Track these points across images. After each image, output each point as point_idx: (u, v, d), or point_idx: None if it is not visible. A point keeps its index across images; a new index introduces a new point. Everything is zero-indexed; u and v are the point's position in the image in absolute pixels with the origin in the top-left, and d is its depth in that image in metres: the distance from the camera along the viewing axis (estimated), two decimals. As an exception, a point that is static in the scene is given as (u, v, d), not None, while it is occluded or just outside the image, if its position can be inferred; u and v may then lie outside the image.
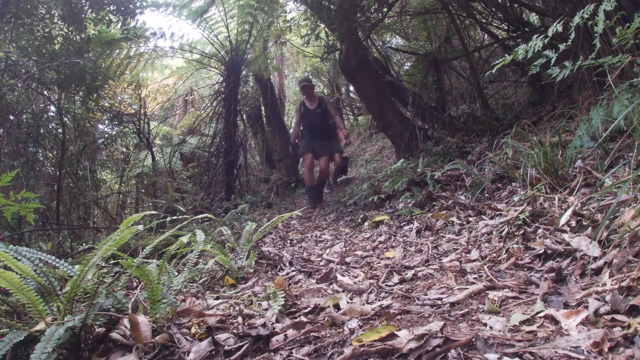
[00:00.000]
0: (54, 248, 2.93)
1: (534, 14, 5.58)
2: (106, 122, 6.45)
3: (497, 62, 1.91)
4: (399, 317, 1.17)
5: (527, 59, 1.88)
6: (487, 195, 2.63)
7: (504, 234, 1.79)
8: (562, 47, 1.75)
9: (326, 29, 5.43)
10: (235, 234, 2.46)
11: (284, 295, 1.35)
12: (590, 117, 2.11)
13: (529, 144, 2.46)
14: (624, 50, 1.83)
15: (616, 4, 1.64)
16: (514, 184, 2.54)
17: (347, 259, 2.08)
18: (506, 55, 1.89)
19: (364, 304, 1.32)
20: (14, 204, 1.79)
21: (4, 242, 1.19)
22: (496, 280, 1.35)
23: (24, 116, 4.67)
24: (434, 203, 2.90)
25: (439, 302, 1.25)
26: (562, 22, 1.71)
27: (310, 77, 8.87)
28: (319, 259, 2.24)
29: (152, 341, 1.08)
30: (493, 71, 1.95)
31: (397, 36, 7.17)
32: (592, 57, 1.73)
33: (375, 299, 1.40)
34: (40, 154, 4.94)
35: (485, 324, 1.02)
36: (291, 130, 6.08)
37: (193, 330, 1.17)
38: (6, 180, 1.69)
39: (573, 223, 1.57)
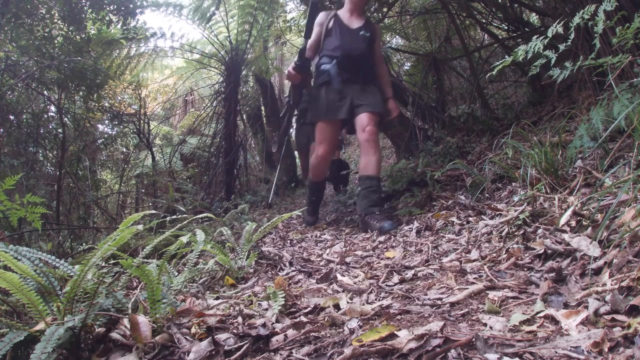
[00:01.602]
0: (54, 248, 2.93)
1: (534, 14, 5.58)
2: (106, 122, 6.45)
3: (497, 63, 1.91)
4: (399, 317, 1.17)
5: (527, 60, 1.88)
6: (487, 195, 2.63)
7: (504, 234, 1.79)
8: (562, 47, 1.76)
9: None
10: (235, 234, 2.46)
11: (284, 295, 1.35)
12: (590, 117, 2.11)
13: (529, 144, 2.47)
14: (623, 51, 1.83)
15: (617, 4, 1.64)
16: (514, 184, 2.54)
17: (347, 259, 2.08)
18: (506, 55, 1.90)
19: (364, 304, 1.32)
20: (20, 208, 1.79)
21: (4, 242, 1.19)
22: (496, 280, 1.35)
23: (24, 116, 4.67)
24: (434, 203, 2.90)
25: (439, 302, 1.25)
26: (562, 22, 1.71)
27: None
28: (319, 259, 2.24)
29: (152, 341, 1.08)
30: (493, 73, 1.95)
31: (397, 36, 7.16)
32: (592, 57, 1.73)
33: (375, 299, 1.40)
34: (40, 154, 4.95)
35: (485, 324, 1.02)
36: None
37: (193, 330, 1.17)
38: (10, 183, 1.69)
39: (573, 223, 1.57)
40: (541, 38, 1.78)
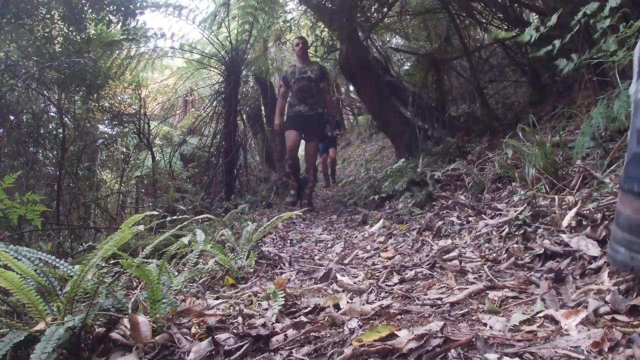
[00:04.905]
0: (54, 248, 2.93)
1: (534, 14, 5.58)
2: (106, 122, 6.44)
3: (502, 36, 1.91)
4: (399, 317, 1.17)
5: (527, 54, 1.89)
6: (487, 195, 2.63)
7: (504, 234, 1.79)
8: (558, 42, 1.76)
9: (326, 29, 5.42)
10: (235, 234, 2.45)
11: (284, 295, 1.35)
12: (591, 117, 2.11)
13: (529, 143, 2.47)
14: (629, 47, 1.82)
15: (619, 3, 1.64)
16: (514, 184, 2.54)
17: (347, 259, 2.08)
18: (506, 55, 1.90)
19: (364, 304, 1.32)
20: (20, 206, 1.79)
21: (4, 242, 1.19)
22: (496, 280, 1.35)
23: (24, 116, 4.67)
24: (434, 203, 2.90)
25: (439, 302, 1.25)
26: (559, 14, 1.71)
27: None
28: (319, 259, 2.24)
29: (152, 341, 1.08)
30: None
31: (397, 36, 7.16)
32: (594, 52, 1.73)
33: (375, 299, 1.40)
34: (40, 154, 4.94)
35: (485, 324, 1.02)
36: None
37: (193, 330, 1.17)
38: (9, 181, 1.69)
39: (573, 223, 1.57)
40: (546, 24, 1.78)
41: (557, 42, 1.80)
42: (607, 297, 0.97)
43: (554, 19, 1.75)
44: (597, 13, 1.66)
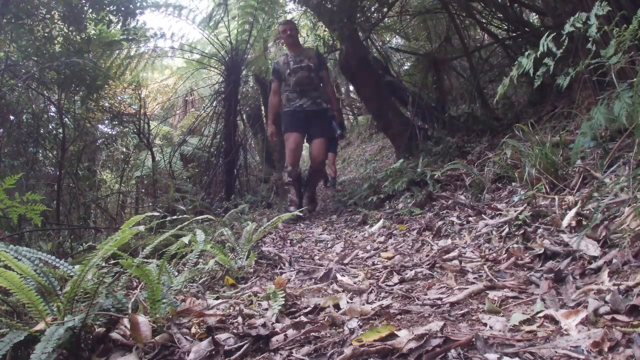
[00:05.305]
0: (54, 248, 2.93)
1: (534, 13, 5.58)
2: (106, 122, 6.44)
3: (500, 87, 1.94)
4: (399, 317, 1.17)
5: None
6: (487, 195, 2.63)
7: (504, 234, 1.79)
8: (559, 53, 1.77)
9: (326, 29, 5.42)
10: (235, 234, 2.45)
11: (284, 295, 1.35)
12: (592, 117, 2.11)
13: (529, 143, 2.47)
14: (623, 51, 1.83)
15: (616, 5, 1.64)
16: (514, 184, 2.54)
17: (347, 259, 2.08)
18: (506, 54, 1.91)
19: (364, 304, 1.32)
20: (20, 205, 1.79)
21: (4, 242, 1.19)
22: (496, 280, 1.35)
23: (24, 116, 4.67)
24: (434, 203, 2.90)
25: (439, 302, 1.25)
26: (551, 36, 1.72)
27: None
28: (319, 259, 2.24)
29: (152, 341, 1.08)
30: (496, 98, 1.97)
31: (397, 36, 7.17)
32: (588, 61, 1.74)
33: (375, 299, 1.40)
34: (40, 154, 4.94)
35: (485, 324, 1.02)
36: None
37: (193, 330, 1.17)
38: (10, 182, 1.69)
39: (573, 223, 1.57)
40: (531, 56, 1.80)
41: (549, 61, 1.80)
42: (607, 297, 0.97)
43: (541, 47, 1.77)
44: (586, 22, 1.68)
